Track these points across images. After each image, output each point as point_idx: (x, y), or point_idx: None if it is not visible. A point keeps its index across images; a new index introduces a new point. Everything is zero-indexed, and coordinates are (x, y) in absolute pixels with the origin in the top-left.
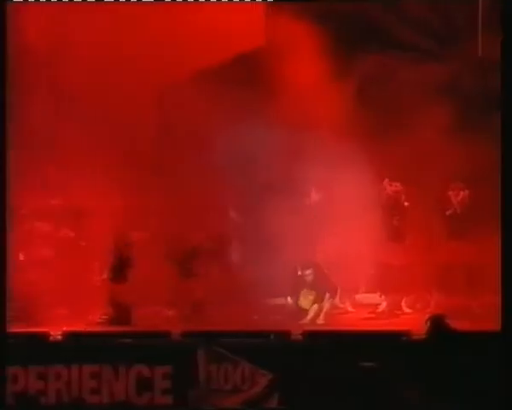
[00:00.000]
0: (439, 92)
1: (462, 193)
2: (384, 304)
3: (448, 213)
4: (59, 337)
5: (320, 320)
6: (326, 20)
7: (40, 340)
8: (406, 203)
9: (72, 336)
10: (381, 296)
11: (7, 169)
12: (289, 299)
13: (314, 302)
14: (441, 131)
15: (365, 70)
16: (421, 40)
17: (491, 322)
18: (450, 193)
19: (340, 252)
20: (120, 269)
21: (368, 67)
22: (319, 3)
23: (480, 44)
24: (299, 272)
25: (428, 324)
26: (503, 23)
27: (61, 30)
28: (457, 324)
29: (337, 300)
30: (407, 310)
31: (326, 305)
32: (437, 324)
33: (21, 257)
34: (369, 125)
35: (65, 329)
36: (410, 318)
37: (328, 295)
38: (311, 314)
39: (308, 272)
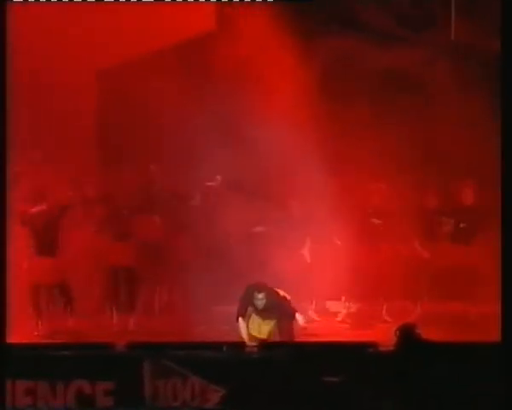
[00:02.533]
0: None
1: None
2: (346, 312)
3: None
4: None
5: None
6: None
7: None
8: (384, 203)
9: (2, 348)
10: (348, 304)
11: None
12: (240, 321)
13: (269, 332)
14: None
15: (329, 56)
16: (391, 23)
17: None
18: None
19: (309, 256)
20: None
21: (333, 52)
22: None
23: (453, 28)
24: (254, 294)
25: (397, 334)
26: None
27: None
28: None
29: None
30: (387, 319)
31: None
32: (407, 334)
33: None
34: (332, 116)
35: None
36: (386, 327)
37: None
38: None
39: (260, 296)
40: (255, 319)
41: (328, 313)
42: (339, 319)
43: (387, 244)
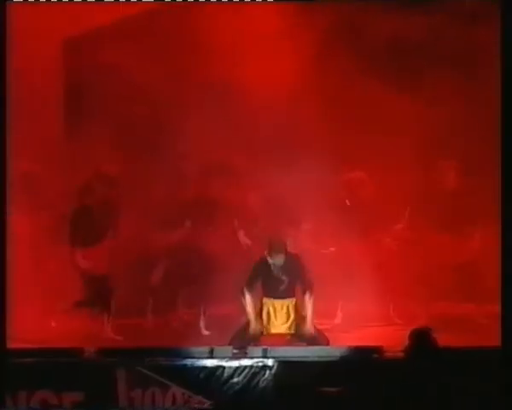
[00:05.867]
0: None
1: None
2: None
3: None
4: None
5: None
6: None
7: None
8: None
9: None
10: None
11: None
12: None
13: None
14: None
15: (328, 23)
16: None
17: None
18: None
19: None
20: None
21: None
22: None
23: None
24: (269, 258)
25: (410, 339)
26: None
27: None
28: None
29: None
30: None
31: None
32: (420, 339)
33: None
34: (327, 92)
35: None
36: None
37: (308, 294)
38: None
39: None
40: (270, 308)
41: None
42: (337, 320)
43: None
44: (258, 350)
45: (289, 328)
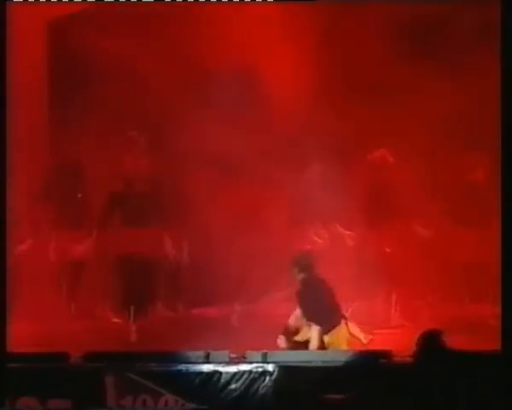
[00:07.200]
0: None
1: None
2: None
3: None
4: None
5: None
6: None
7: None
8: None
9: None
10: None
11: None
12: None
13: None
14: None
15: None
16: None
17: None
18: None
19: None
20: None
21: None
22: None
23: None
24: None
25: (420, 342)
26: None
27: None
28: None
29: None
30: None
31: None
32: (430, 342)
33: None
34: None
35: None
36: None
37: None
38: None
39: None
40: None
41: None
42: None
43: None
44: (257, 354)
45: None
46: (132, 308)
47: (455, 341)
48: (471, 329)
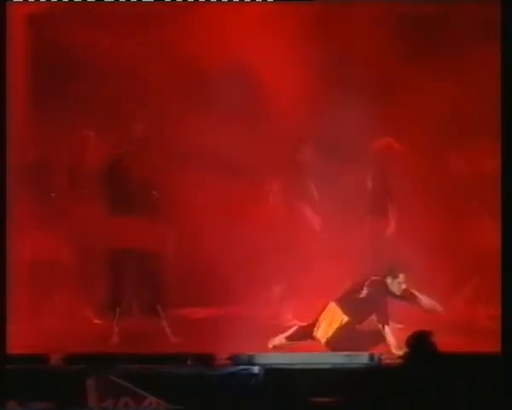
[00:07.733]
0: None
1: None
2: None
3: None
4: None
5: None
6: None
7: None
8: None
9: None
10: None
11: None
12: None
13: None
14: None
15: None
16: None
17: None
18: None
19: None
20: None
21: None
22: None
23: None
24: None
25: (409, 343)
26: None
27: None
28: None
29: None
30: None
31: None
32: (419, 343)
33: None
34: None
35: None
36: None
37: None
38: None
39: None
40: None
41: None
42: None
43: None
44: (243, 356)
45: None
46: (117, 309)
47: (455, 341)
48: (471, 329)
